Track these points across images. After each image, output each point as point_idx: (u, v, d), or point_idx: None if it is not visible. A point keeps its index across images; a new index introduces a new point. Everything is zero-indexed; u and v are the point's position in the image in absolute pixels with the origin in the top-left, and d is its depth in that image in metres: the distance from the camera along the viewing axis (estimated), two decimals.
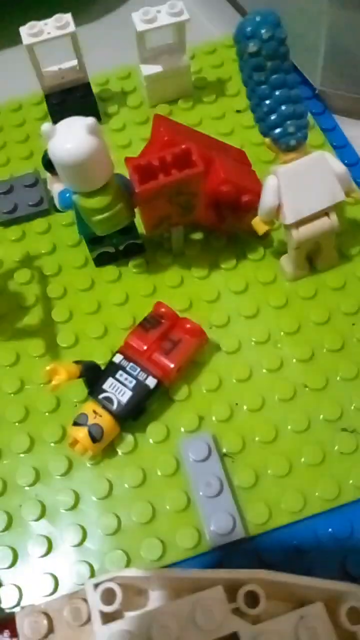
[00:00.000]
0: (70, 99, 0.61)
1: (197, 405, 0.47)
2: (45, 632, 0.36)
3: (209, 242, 0.55)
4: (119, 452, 0.46)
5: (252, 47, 0.41)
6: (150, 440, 0.46)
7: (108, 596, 0.35)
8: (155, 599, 0.37)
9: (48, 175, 0.49)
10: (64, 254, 0.56)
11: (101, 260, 0.54)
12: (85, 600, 0.37)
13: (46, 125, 0.41)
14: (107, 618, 0.35)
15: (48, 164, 0.47)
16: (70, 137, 0.41)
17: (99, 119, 0.58)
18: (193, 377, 0.48)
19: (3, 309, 0.53)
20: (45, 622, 0.36)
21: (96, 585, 0.35)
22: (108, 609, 0.35)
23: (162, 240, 0.54)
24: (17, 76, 0.69)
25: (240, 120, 0.62)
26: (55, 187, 0.48)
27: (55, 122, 0.61)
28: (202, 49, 0.68)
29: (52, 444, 0.47)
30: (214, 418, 0.46)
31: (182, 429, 0.46)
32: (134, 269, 0.54)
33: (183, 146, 0.44)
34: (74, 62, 0.60)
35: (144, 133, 0.62)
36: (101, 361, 0.47)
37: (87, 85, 0.62)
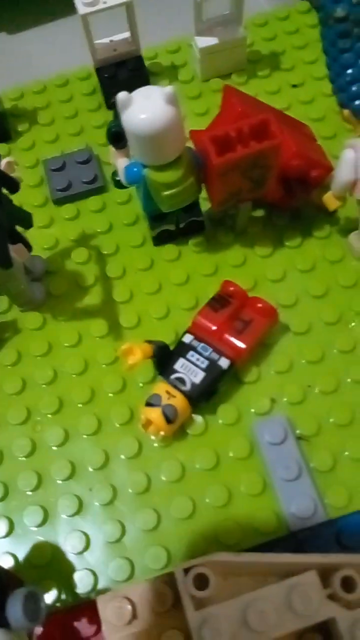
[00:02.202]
0: (122, 72, 0.59)
1: (268, 387, 0.46)
2: (130, 618, 0.35)
3: (272, 219, 0.53)
4: (189, 433, 0.44)
5: (339, 12, 0.39)
6: (221, 422, 0.45)
7: (198, 581, 0.34)
8: (241, 584, 0.36)
9: (112, 150, 0.47)
10: (121, 232, 0.54)
11: (160, 239, 0.52)
12: (167, 584, 0.36)
13: (122, 94, 0.40)
14: (198, 603, 0.34)
15: (113, 138, 0.46)
16: (149, 106, 0.39)
17: None
18: (262, 359, 0.47)
19: (62, 289, 0.51)
20: (129, 607, 0.35)
21: (186, 570, 0.34)
22: (201, 594, 0.34)
23: (224, 218, 0.53)
24: (61, 51, 0.67)
25: (297, 95, 0.60)
26: (120, 162, 0.46)
27: (106, 96, 0.61)
28: (253, 21, 0.65)
29: (118, 425, 0.45)
30: (285, 400, 0.45)
31: (253, 411, 0.45)
32: (194, 247, 0.53)
33: (260, 117, 0.42)
34: (127, 34, 0.58)
35: (197, 108, 0.60)
36: (166, 342, 0.46)
37: (139, 59, 0.60)
